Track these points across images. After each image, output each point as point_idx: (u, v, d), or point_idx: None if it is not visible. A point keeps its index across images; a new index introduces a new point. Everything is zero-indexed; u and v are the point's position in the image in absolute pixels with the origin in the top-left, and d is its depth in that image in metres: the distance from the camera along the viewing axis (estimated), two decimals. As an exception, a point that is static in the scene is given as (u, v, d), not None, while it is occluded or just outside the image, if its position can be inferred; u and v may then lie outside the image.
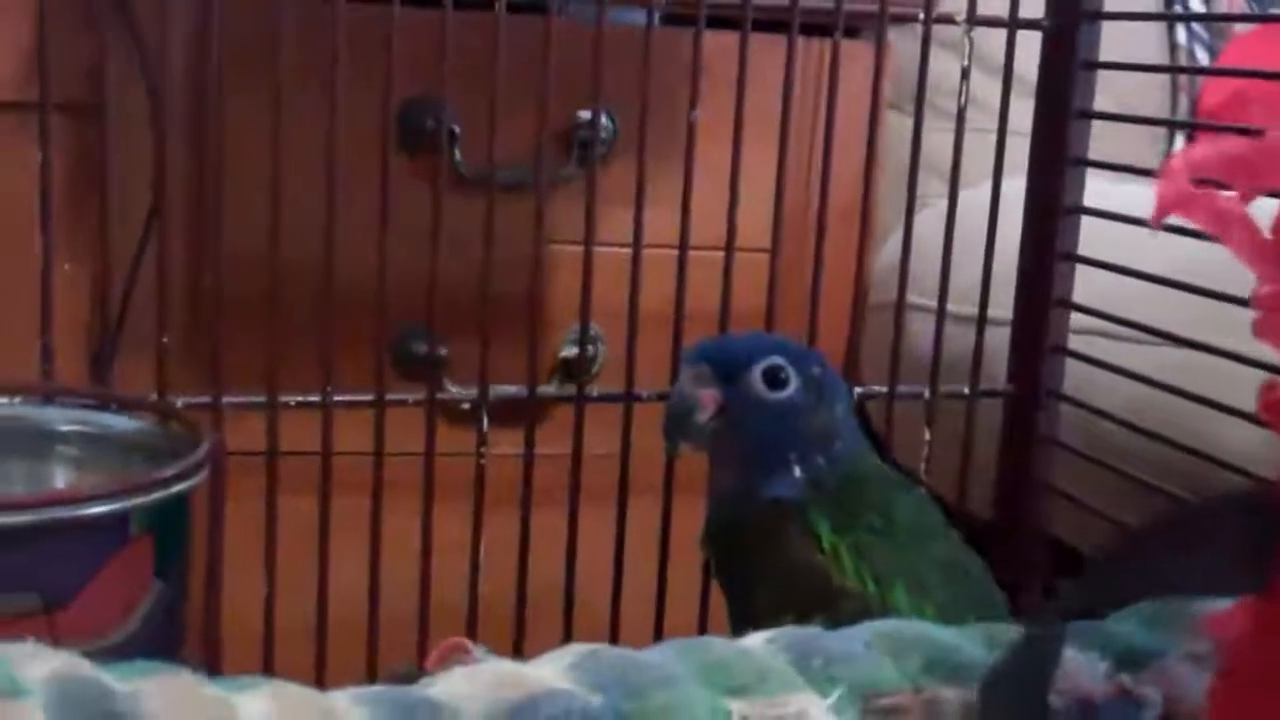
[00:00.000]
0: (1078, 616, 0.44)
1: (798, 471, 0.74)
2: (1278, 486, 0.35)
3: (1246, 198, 0.38)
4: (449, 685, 0.45)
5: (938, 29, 0.89)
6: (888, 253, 1.16)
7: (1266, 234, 0.37)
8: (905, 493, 0.77)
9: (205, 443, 0.62)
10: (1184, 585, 0.43)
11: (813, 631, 0.49)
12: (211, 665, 0.67)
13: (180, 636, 0.63)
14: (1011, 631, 0.50)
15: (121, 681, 0.41)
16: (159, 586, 0.60)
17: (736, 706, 0.45)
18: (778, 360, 0.75)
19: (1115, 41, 0.92)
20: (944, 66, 0.98)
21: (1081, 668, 0.48)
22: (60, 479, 0.67)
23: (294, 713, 0.42)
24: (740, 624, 0.73)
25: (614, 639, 0.85)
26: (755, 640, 0.49)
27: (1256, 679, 0.36)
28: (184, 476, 0.60)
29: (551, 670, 0.46)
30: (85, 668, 0.41)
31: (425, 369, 0.87)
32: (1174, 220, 0.62)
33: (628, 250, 0.86)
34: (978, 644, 0.49)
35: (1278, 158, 0.37)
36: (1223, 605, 0.38)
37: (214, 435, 0.63)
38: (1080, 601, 0.44)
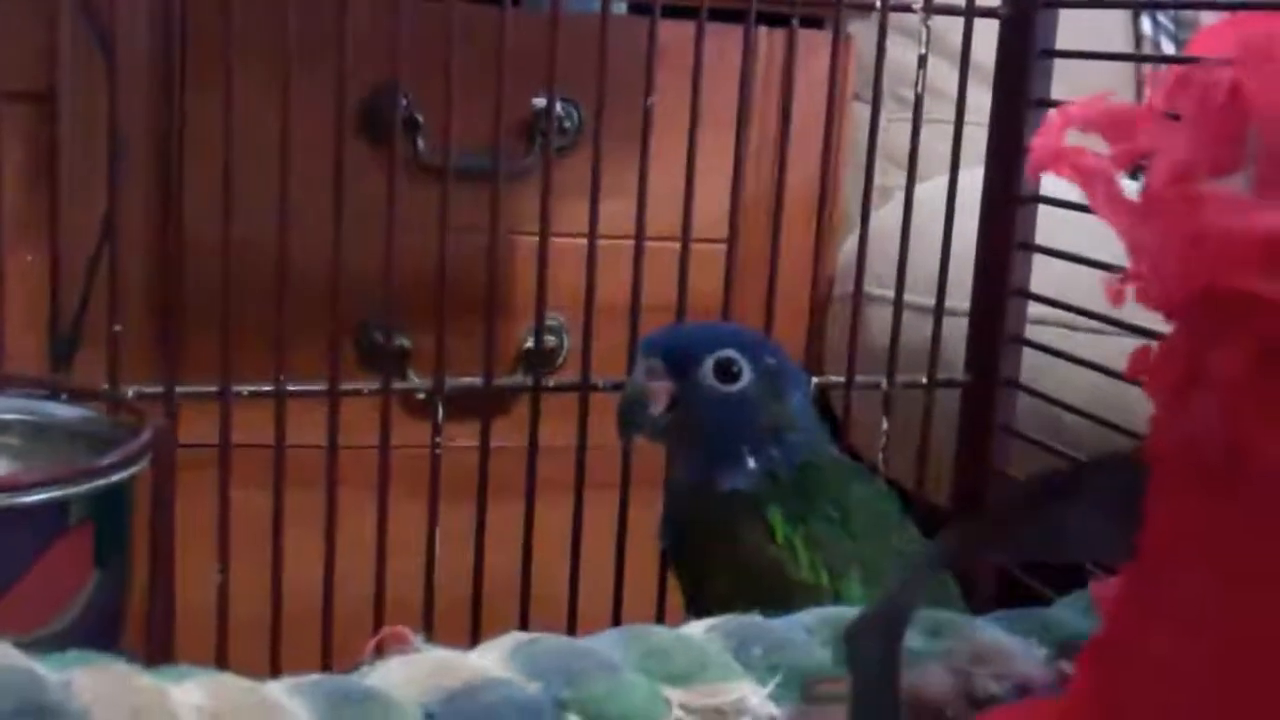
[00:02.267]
0: (946, 566, 0.44)
1: (752, 463, 0.74)
2: (1146, 449, 0.35)
3: (1122, 159, 0.38)
4: (386, 674, 0.45)
5: (903, 19, 0.89)
6: (852, 244, 1.16)
7: (1131, 196, 0.37)
8: (861, 483, 0.77)
9: (147, 430, 0.61)
10: (1063, 543, 0.43)
11: (754, 619, 0.49)
12: (163, 657, 0.66)
13: (121, 626, 0.62)
14: (959, 621, 0.50)
15: (55, 671, 0.40)
16: (99, 576, 0.60)
17: (675, 695, 0.45)
18: (730, 353, 0.75)
19: (1081, 33, 0.92)
20: (907, 57, 0.98)
21: (1022, 654, 0.48)
22: (1, 469, 0.66)
23: (228, 702, 0.42)
24: (696, 615, 0.73)
25: (571, 631, 0.85)
26: (696, 628, 0.49)
27: (1120, 651, 0.36)
28: (124, 465, 0.59)
29: (490, 658, 0.46)
30: (17, 657, 0.40)
31: (386, 360, 0.87)
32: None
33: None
34: (919, 631, 0.49)
35: (1153, 119, 0.37)
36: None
37: (157, 422, 0.63)
38: (950, 552, 0.44)
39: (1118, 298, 0.37)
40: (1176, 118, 0.37)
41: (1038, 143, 0.40)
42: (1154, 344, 0.37)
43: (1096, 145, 0.41)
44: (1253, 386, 0.33)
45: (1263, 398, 0.33)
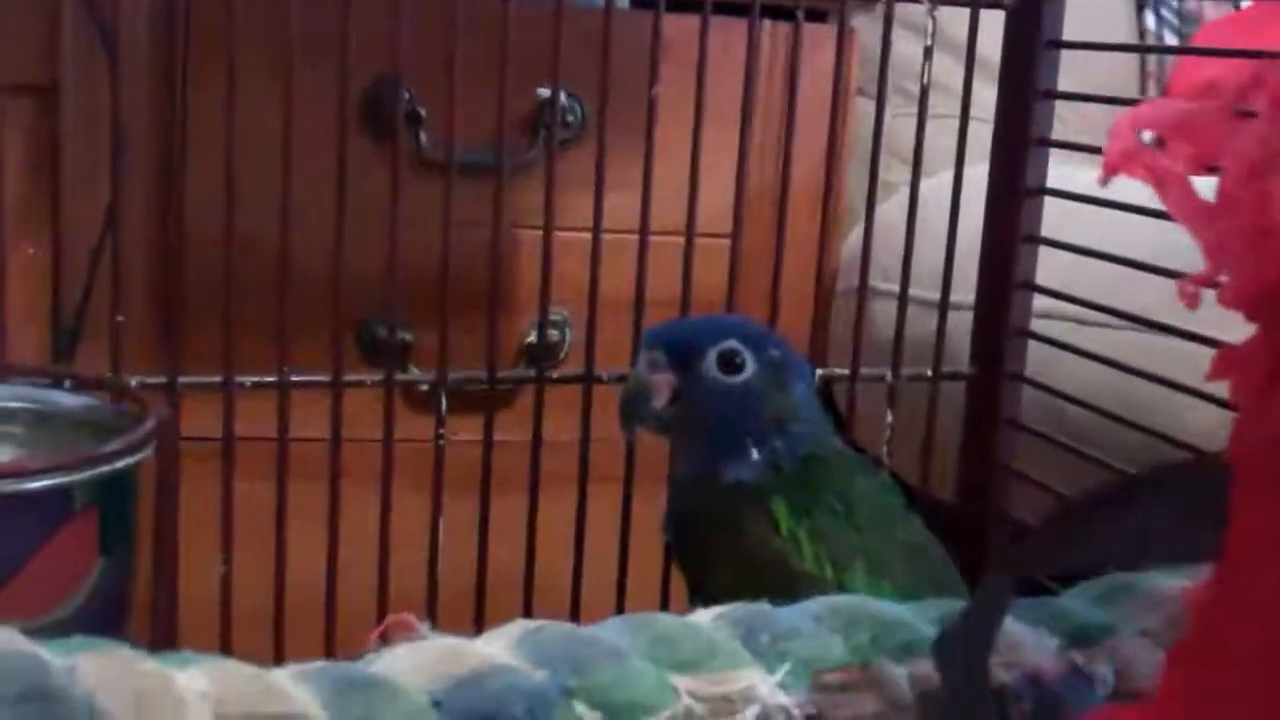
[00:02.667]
0: (1023, 579, 0.44)
1: (755, 455, 0.74)
2: (1227, 455, 0.35)
3: (1191, 160, 0.37)
4: (392, 661, 0.45)
5: (907, 13, 0.89)
6: (856, 237, 1.16)
7: (1206, 197, 0.36)
8: (865, 475, 0.76)
9: (151, 418, 0.61)
10: (1130, 552, 0.43)
11: (761, 607, 0.49)
12: (168, 646, 0.66)
13: (126, 614, 0.62)
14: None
15: (59, 657, 0.40)
16: (103, 563, 0.59)
17: (683, 683, 0.45)
18: (733, 344, 0.74)
19: (1085, 28, 0.92)
20: (912, 51, 0.98)
21: (1033, 643, 0.48)
22: (5, 456, 0.66)
23: (233, 688, 0.41)
24: (701, 608, 0.72)
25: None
26: (703, 616, 0.49)
27: (1206, 654, 0.35)
28: (128, 452, 0.59)
29: (496, 646, 0.46)
30: (21, 642, 0.40)
31: (389, 354, 0.86)
32: (1137, 202, 0.62)
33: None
34: (927, 620, 0.48)
35: (1221, 120, 0.36)
36: (1198, 580, 0.38)
37: (161, 411, 0.62)
38: (1025, 565, 0.44)
39: (1193, 300, 0.37)
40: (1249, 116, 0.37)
41: (1111, 145, 0.40)
42: (1224, 345, 0.36)
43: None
44: None
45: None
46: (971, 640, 0.41)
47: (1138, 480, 0.42)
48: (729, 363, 0.74)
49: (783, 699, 0.45)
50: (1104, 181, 0.40)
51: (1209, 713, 0.35)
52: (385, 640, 0.48)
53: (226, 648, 0.80)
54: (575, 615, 0.87)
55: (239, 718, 0.40)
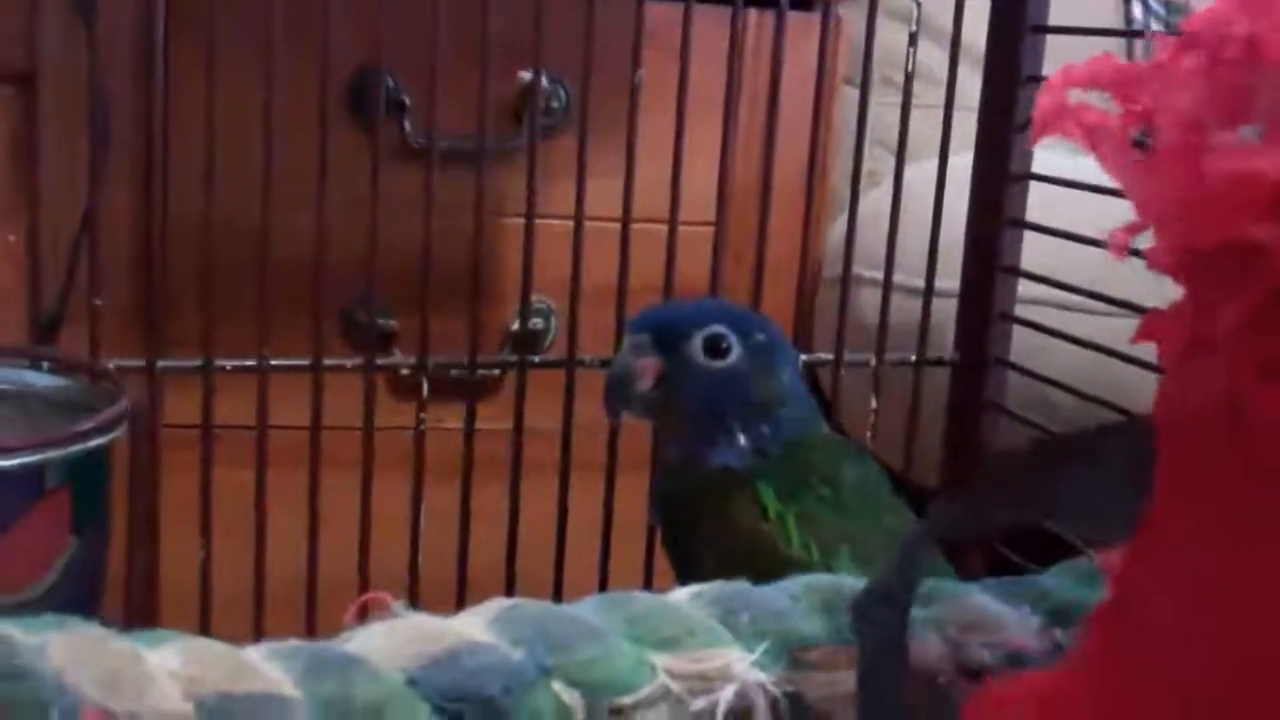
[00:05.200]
0: (948, 534, 0.43)
1: (742, 439, 0.74)
2: (1154, 415, 0.34)
3: (1129, 117, 0.37)
4: (367, 639, 0.44)
5: (894, 1, 0.88)
6: (841, 227, 1.16)
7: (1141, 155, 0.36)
8: (852, 460, 0.76)
9: (124, 399, 0.61)
10: (1061, 512, 0.42)
11: (740, 586, 0.49)
12: (145, 628, 0.66)
13: (98, 594, 0.62)
14: (951, 589, 0.49)
15: (28, 634, 0.40)
16: (76, 542, 0.59)
17: (661, 660, 0.45)
18: (718, 329, 0.74)
19: (1071, 18, 0.92)
20: (898, 40, 0.98)
21: (1014, 621, 0.47)
22: (-20, 436, 0.66)
23: (205, 665, 0.41)
24: (685, 591, 0.72)
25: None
26: (682, 595, 0.49)
27: (1125, 616, 0.35)
28: (101, 431, 0.59)
29: (473, 624, 0.46)
30: (-11, 620, 0.40)
31: (371, 339, 0.86)
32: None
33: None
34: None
35: (1161, 76, 0.36)
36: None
37: (135, 392, 0.62)
38: (951, 522, 0.44)
39: (1121, 250, 0.36)
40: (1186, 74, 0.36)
41: (1042, 101, 0.39)
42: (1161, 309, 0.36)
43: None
44: (1255, 343, 0.32)
45: (1264, 355, 0.32)
46: (892, 596, 0.41)
47: (1068, 441, 0.41)
48: (714, 347, 0.74)
49: (760, 677, 0.45)
50: (1035, 141, 0.39)
51: (1126, 679, 0.35)
52: (362, 618, 0.48)
53: (205, 633, 0.79)
54: (557, 602, 0.87)
55: (211, 695, 0.40)
